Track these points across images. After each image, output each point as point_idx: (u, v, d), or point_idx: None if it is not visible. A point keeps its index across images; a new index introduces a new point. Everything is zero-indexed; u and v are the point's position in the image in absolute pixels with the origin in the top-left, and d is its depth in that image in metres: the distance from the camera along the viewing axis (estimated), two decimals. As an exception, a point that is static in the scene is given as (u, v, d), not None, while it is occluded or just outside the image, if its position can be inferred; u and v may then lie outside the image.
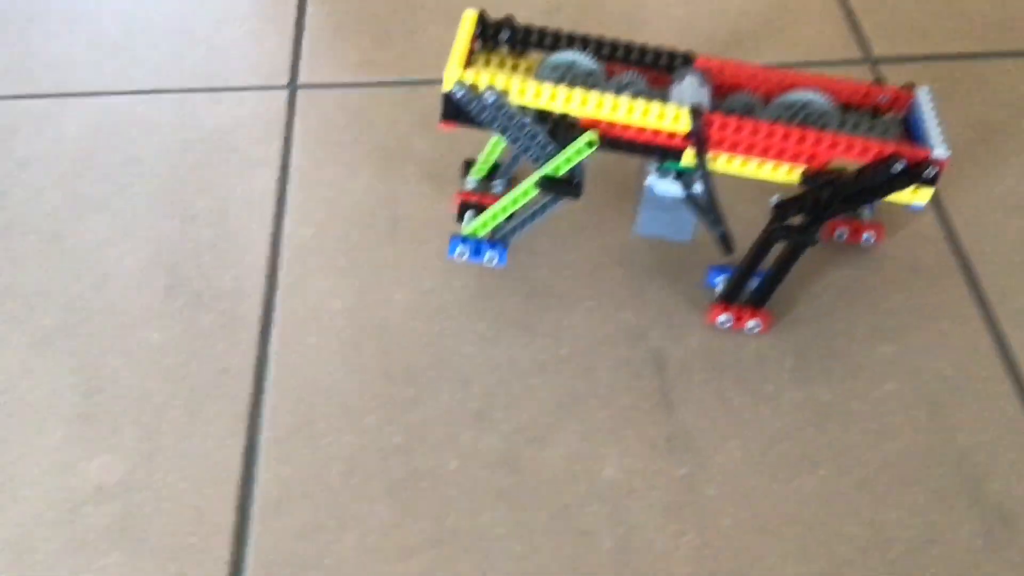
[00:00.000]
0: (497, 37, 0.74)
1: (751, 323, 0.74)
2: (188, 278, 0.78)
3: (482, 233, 0.77)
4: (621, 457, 0.68)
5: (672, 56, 0.73)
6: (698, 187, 0.70)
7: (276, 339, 0.75)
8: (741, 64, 0.74)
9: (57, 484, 0.67)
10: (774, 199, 0.71)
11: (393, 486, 0.66)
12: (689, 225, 0.74)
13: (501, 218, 0.75)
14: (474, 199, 0.81)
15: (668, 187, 0.71)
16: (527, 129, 0.69)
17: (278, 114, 0.91)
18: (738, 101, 0.73)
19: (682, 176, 0.71)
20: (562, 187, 0.71)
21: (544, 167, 0.71)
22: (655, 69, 0.74)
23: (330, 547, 0.64)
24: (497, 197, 0.80)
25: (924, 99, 0.72)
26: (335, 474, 0.67)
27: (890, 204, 0.73)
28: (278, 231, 0.82)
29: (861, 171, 0.68)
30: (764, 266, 0.73)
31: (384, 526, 0.65)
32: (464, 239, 0.77)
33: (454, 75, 0.68)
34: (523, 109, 0.69)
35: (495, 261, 0.77)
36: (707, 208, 0.71)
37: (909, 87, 0.73)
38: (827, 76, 0.73)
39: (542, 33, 0.74)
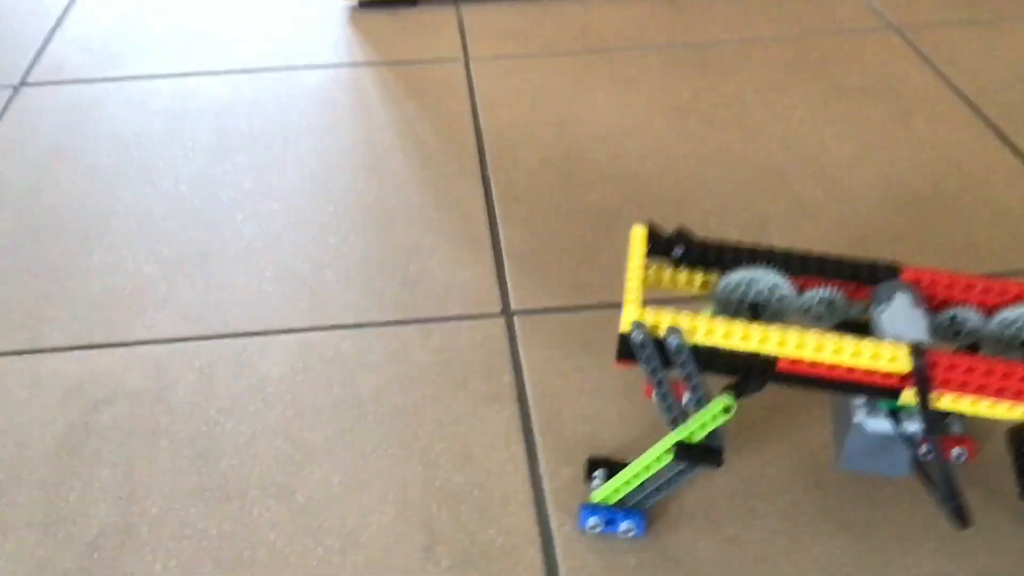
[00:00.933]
0: (670, 252, 0.65)
1: None
2: (448, 535, 0.66)
3: (613, 501, 0.66)
4: None
5: (874, 268, 0.64)
6: (915, 426, 0.60)
7: (572, 605, 0.62)
8: (954, 275, 0.64)
9: None
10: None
11: None
12: (904, 461, 0.62)
13: (633, 486, 0.65)
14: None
15: (880, 425, 0.60)
16: (694, 381, 0.60)
17: (499, 343, 0.82)
18: (953, 316, 0.63)
19: (896, 414, 0.60)
20: (702, 455, 0.61)
21: (677, 431, 0.62)
22: (854, 282, 0.64)
23: None
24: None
25: None
26: None
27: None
28: (535, 473, 0.71)
29: None
30: None
31: None
32: (595, 508, 0.66)
33: (631, 315, 0.59)
34: (700, 351, 0.59)
35: (632, 532, 0.66)
36: (937, 474, 0.58)
37: None
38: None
39: (719, 248, 0.65)
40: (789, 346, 0.58)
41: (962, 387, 0.56)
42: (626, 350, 0.60)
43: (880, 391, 0.58)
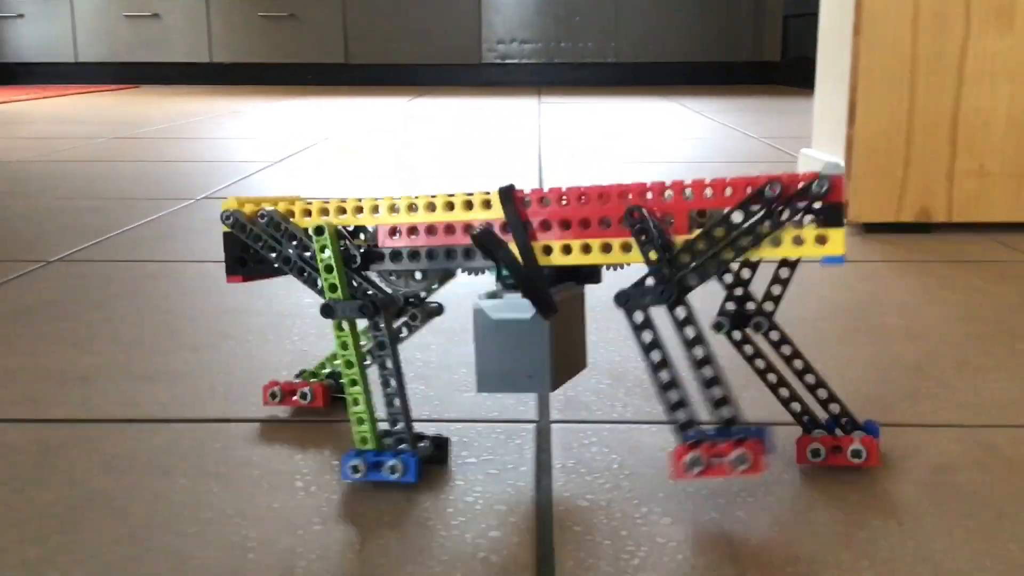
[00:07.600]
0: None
1: (736, 455, 0.51)
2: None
3: (372, 444, 0.58)
4: None
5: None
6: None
7: None
8: (563, 189, 0.56)
9: None
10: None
11: None
12: (544, 365, 0.52)
13: (363, 408, 0.57)
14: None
15: (503, 307, 0.53)
16: (310, 254, 0.59)
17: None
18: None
19: (507, 280, 0.55)
20: (348, 305, 0.56)
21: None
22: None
23: None
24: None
25: (832, 169, 0.53)
26: None
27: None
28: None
29: (726, 217, 0.52)
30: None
31: None
32: (358, 453, 0.58)
33: (227, 205, 0.61)
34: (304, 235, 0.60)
35: (399, 473, 0.56)
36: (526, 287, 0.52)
37: (807, 177, 0.53)
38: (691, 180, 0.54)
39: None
40: (381, 212, 0.57)
41: (565, 227, 0.54)
42: (233, 252, 0.61)
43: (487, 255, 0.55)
